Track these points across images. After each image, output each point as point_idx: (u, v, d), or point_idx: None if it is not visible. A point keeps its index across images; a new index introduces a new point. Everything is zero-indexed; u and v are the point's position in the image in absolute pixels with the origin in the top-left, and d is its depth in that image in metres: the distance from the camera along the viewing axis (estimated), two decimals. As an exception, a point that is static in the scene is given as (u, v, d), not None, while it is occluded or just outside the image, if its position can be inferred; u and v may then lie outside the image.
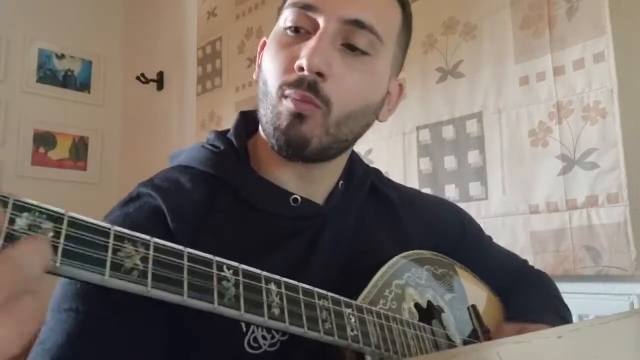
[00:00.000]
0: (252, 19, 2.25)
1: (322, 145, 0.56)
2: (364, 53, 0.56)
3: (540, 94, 1.35)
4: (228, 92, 2.32)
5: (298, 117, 0.54)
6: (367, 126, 0.62)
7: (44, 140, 2.77)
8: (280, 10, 0.61)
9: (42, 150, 2.76)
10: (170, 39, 2.74)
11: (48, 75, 2.83)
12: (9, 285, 0.26)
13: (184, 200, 0.55)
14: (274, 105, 0.56)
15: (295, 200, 0.59)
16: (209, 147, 0.62)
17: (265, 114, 0.57)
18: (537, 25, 1.37)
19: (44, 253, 0.29)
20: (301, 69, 0.54)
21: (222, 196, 0.58)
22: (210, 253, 0.39)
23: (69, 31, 2.91)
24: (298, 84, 0.54)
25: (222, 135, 0.64)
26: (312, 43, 0.54)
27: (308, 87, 0.53)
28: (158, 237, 0.51)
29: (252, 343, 0.50)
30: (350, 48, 0.56)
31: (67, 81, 2.89)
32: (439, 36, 1.58)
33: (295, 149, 0.55)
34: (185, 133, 2.57)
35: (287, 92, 0.54)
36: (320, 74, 0.54)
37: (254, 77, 0.63)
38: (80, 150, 2.88)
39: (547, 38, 1.34)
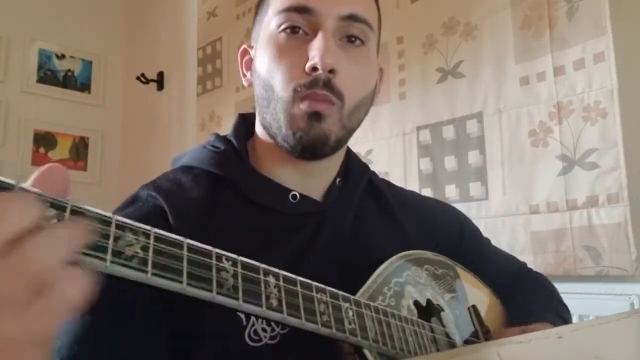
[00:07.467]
0: (252, 19, 2.25)
1: (337, 138, 0.58)
2: (361, 43, 0.60)
3: (540, 94, 1.35)
4: (228, 92, 2.32)
5: (315, 116, 0.56)
6: (367, 112, 0.65)
7: (44, 140, 2.77)
8: (258, 14, 0.66)
9: (42, 150, 2.76)
10: (170, 39, 2.74)
11: (48, 75, 2.83)
12: (21, 283, 0.26)
13: (185, 198, 0.57)
14: (286, 109, 0.57)
15: (294, 196, 0.61)
16: (210, 147, 0.64)
17: (276, 119, 0.58)
18: (537, 25, 1.37)
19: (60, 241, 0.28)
20: (313, 69, 0.55)
21: (223, 193, 0.59)
22: None
23: (69, 31, 2.91)
24: (313, 83, 0.55)
25: (222, 136, 0.66)
26: (320, 44, 0.55)
27: (323, 85, 0.55)
28: None
29: (252, 335, 0.51)
30: (349, 40, 0.59)
31: (67, 81, 2.89)
32: (439, 36, 1.58)
33: (316, 148, 0.57)
34: (185, 133, 2.57)
35: (303, 93, 0.56)
36: (331, 71, 0.56)
37: (245, 84, 0.66)
38: (80, 150, 2.88)
39: (547, 38, 1.34)
